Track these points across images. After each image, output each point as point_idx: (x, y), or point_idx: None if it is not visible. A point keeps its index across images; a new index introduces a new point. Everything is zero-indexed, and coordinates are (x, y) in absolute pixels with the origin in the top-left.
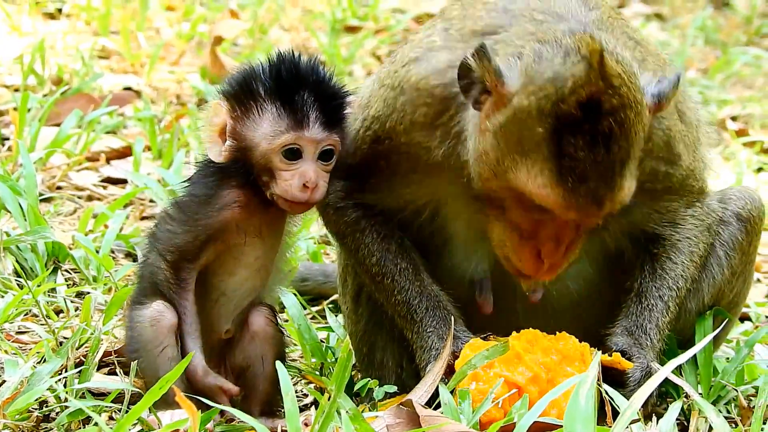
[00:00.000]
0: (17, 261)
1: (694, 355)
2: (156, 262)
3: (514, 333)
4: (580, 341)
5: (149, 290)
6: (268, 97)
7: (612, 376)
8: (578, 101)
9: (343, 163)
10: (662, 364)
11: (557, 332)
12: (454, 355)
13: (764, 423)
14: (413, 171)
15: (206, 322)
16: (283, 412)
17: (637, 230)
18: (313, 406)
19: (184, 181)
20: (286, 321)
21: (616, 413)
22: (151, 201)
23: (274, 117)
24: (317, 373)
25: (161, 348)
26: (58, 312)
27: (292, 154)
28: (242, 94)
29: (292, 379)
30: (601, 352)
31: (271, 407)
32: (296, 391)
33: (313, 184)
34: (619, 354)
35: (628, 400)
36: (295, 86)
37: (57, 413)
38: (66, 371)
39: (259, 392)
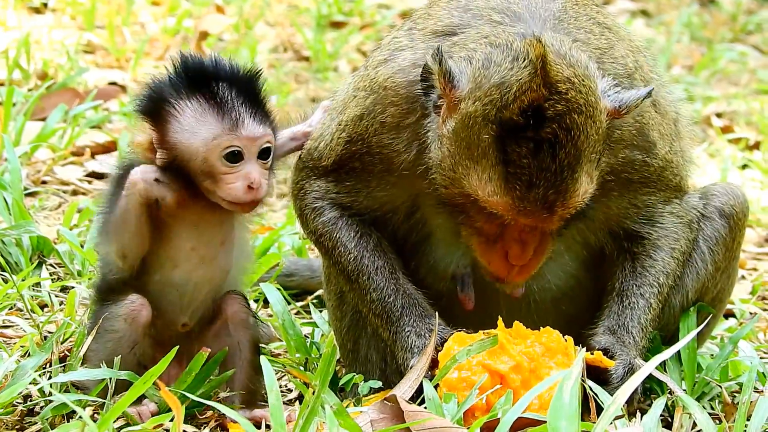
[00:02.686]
0: (1, 255)
1: (678, 352)
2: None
3: (499, 323)
4: (563, 336)
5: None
6: (184, 97)
7: (595, 374)
8: (521, 108)
9: (318, 165)
10: (646, 360)
11: (540, 327)
12: (436, 349)
13: (748, 419)
14: (388, 173)
15: (161, 314)
16: (265, 403)
17: (616, 226)
18: (298, 401)
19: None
20: (270, 316)
21: (599, 409)
22: None
23: (204, 118)
24: (301, 368)
25: (134, 345)
26: (42, 306)
27: (234, 156)
28: (155, 103)
29: (277, 374)
30: (585, 349)
31: (252, 397)
32: (280, 386)
33: (257, 185)
34: (601, 352)
35: (611, 396)
36: (212, 81)
37: (41, 407)
38: (50, 365)
39: (239, 380)
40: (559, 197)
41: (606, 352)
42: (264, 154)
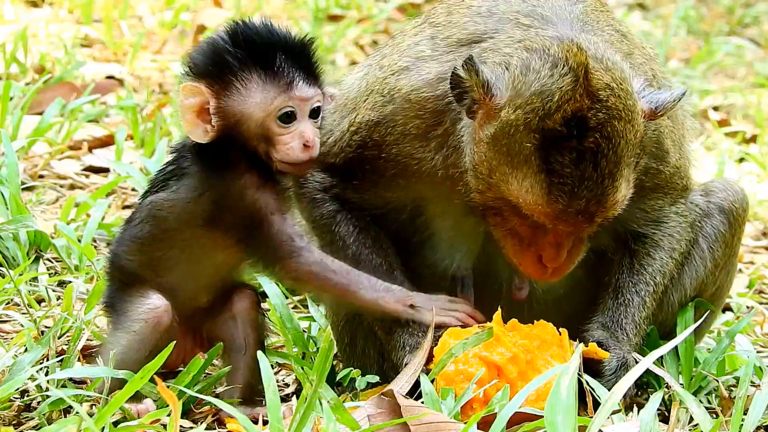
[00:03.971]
0: None
1: (676, 346)
2: None
3: (496, 315)
4: (558, 329)
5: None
6: (246, 66)
7: (589, 367)
8: (564, 118)
9: (324, 159)
10: (643, 355)
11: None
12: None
13: (745, 413)
14: (400, 177)
15: (178, 296)
16: (264, 401)
17: (622, 229)
18: (295, 396)
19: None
20: (268, 310)
21: (596, 404)
22: (134, 190)
23: (261, 84)
24: (300, 363)
25: (153, 348)
26: (39, 301)
27: (288, 117)
28: (217, 69)
29: (274, 368)
30: (579, 342)
31: (252, 395)
32: (277, 381)
33: (312, 143)
34: (595, 344)
35: (608, 391)
36: (270, 49)
37: (38, 402)
38: (47, 360)
39: (241, 376)
40: (600, 207)
41: (600, 345)
42: (314, 113)
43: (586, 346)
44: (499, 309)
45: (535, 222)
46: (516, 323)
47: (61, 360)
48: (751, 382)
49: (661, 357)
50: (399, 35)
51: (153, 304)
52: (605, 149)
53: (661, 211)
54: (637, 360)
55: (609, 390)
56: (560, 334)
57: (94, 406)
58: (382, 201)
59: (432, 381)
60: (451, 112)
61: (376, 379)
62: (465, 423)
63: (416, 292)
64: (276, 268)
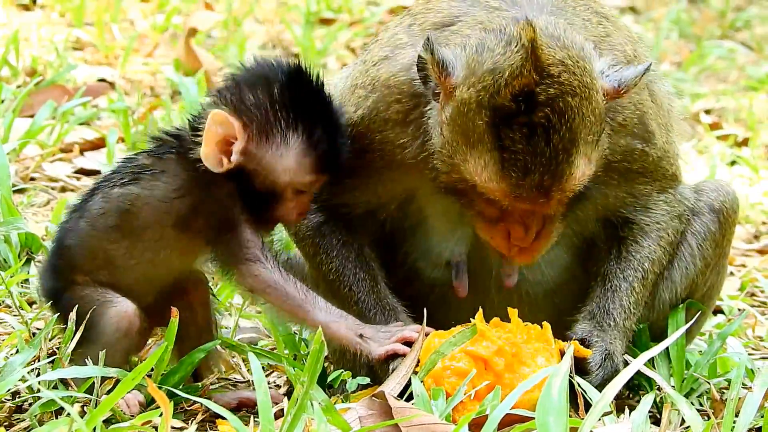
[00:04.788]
0: None
1: (667, 348)
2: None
3: (478, 315)
4: (554, 327)
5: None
6: (294, 130)
7: (575, 364)
8: (512, 93)
9: None
10: (634, 356)
11: (531, 319)
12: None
13: (736, 416)
14: (387, 168)
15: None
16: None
17: (612, 215)
18: (286, 398)
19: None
20: (260, 312)
21: (587, 405)
22: None
23: (301, 154)
24: (289, 365)
25: (126, 353)
26: (30, 303)
27: (302, 191)
28: (262, 117)
29: (265, 370)
30: (569, 345)
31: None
32: (269, 383)
33: (304, 215)
34: (577, 342)
35: (591, 386)
36: (319, 118)
37: (29, 404)
38: (38, 362)
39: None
40: (555, 182)
41: (583, 342)
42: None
43: (569, 344)
44: (480, 309)
45: (497, 203)
46: (498, 321)
47: (53, 361)
48: (743, 384)
49: (653, 358)
50: (382, 31)
51: (122, 310)
52: (557, 124)
53: (649, 197)
54: (624, 350)
55: (595, 386)
56: (542, 327)
57: (85, 407)
58: (374, 197)
59: (421, 382)
60: (426, 96)
61: (366, 380)
62: (456, 424)
63: (402, 306)
64: (235, 274)
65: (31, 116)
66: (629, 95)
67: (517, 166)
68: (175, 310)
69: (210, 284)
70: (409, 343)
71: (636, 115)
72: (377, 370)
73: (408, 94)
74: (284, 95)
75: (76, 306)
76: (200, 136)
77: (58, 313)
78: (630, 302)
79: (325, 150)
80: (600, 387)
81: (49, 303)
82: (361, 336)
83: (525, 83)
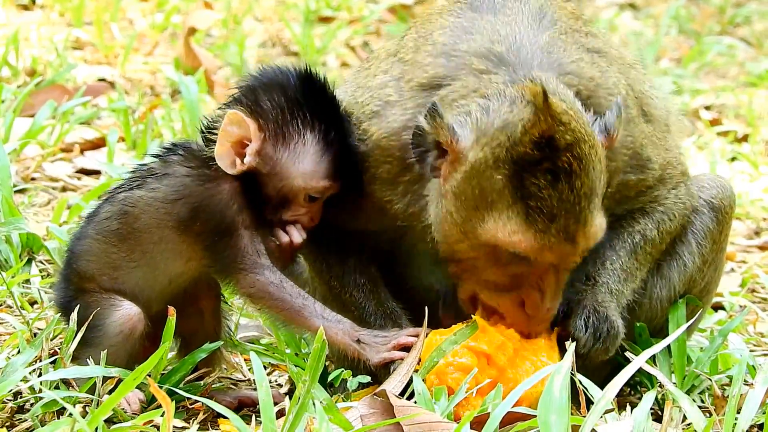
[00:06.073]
0: None
1: (668, 344)
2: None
3: (475, 316)
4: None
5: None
6: (312, 133)
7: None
8: (533, 141)
9: None
10: (635, 353)
11: None
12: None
13: (738, 412)
14: (381, 213)
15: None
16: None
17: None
18: (288, 396)
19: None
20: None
21: (589, 402)
22: None
23: (318, 158)
24: (291, 363)
25: (129, 356)
26: (32, 303)
27: (314, 197)
28: (280, 118)
29: (267, 369)
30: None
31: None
32: (270, 381)
33: (316, 221)
34: (557, 329)
35: (584, 348)
36: (333, 122)
37: (31, 404)
38: (40, 362)
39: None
40: (580, 227)
41: (565, 315)
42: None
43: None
44: (480, 308)
45: (516, 264)
46: (498, 319)
47: (54, 361)
48: (744, 380)
49: (654, 355)
50: (374, 60)
51: (126, 313)
52: (577, 170)
53: (659, 195)
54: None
55: (590, 348)
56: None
57: (87, 407)
58: (366, 228)
59: (423, 380)
60: (416, 167)
61: (367, 379)
62: (458, 421)
63: (402, 310)
64: (234, 280)
65: (32, 116)
66: (619, 139)
67: (543, 213)
68: (172, 309)
69: (222, 293)
70: (406, 348)
71: (629, 154)
72: (377, 373)
73: (397, 158)
74: (300, 98)
75: (78, 306)
76: (215, 134)
77: (67, 319)
78: (615, 267)
79: (340, 154)
80: (594, 346)
81: (60, 313)
82: (358, 341)
83: (544, 129)
